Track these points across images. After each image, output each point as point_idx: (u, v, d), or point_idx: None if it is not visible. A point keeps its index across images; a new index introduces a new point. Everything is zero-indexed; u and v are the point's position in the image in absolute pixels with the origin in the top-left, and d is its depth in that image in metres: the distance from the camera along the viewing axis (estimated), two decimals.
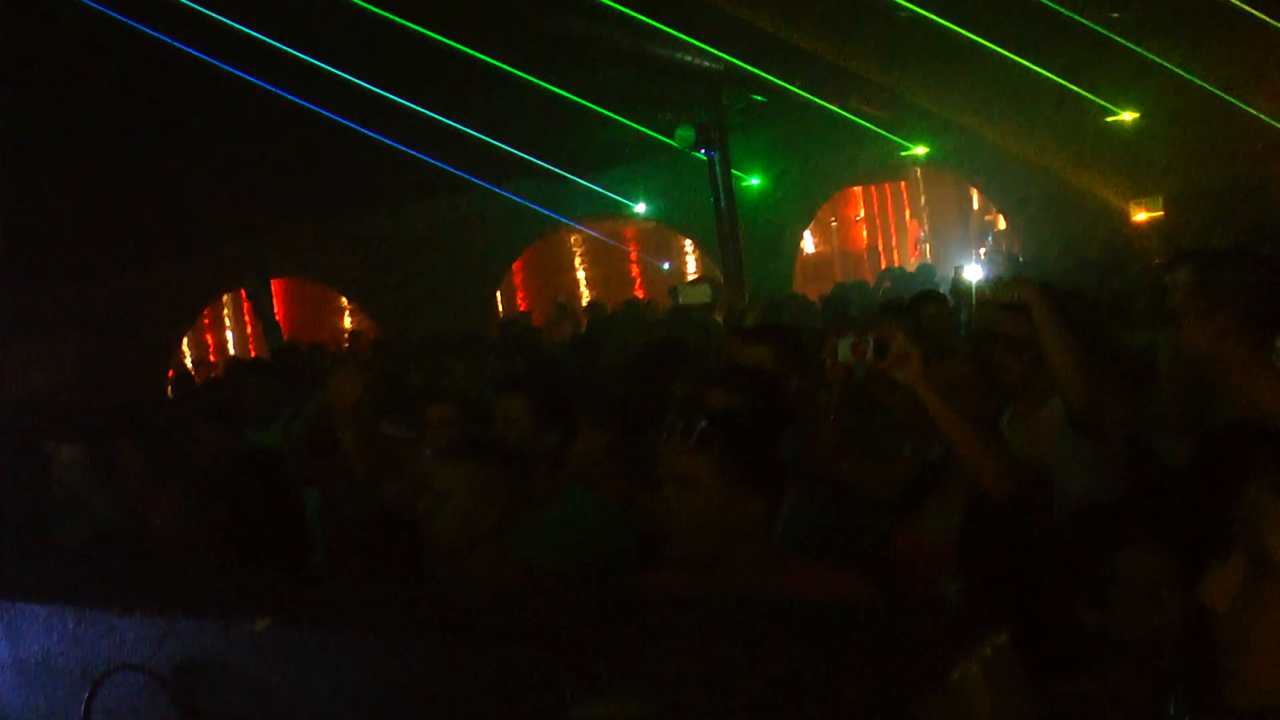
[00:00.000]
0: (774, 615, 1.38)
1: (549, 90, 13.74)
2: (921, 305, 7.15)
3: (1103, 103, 15.69)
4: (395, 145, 14.09)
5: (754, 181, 18.02)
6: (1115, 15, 13.60)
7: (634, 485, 4.21)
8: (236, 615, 1.80)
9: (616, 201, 19.70)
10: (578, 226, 20.71)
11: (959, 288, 8.54)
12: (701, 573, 2.74)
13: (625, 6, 11.92)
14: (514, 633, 1.56)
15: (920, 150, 18.58)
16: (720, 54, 13.24)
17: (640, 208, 18.49)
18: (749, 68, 13.57)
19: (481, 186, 17.14)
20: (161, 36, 10.35)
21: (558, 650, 1.44)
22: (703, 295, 9.21)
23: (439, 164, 14.98)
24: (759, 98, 14.35)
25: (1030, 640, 2.14)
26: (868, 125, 17.23)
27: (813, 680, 1.17)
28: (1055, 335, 3.57)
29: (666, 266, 22.13)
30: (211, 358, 22.78)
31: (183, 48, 10.84)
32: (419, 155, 14.56)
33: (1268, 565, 1.41)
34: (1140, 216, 16.56)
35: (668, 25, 12.61)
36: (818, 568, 2.89)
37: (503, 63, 12.70)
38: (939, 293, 8.77)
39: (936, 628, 1.29)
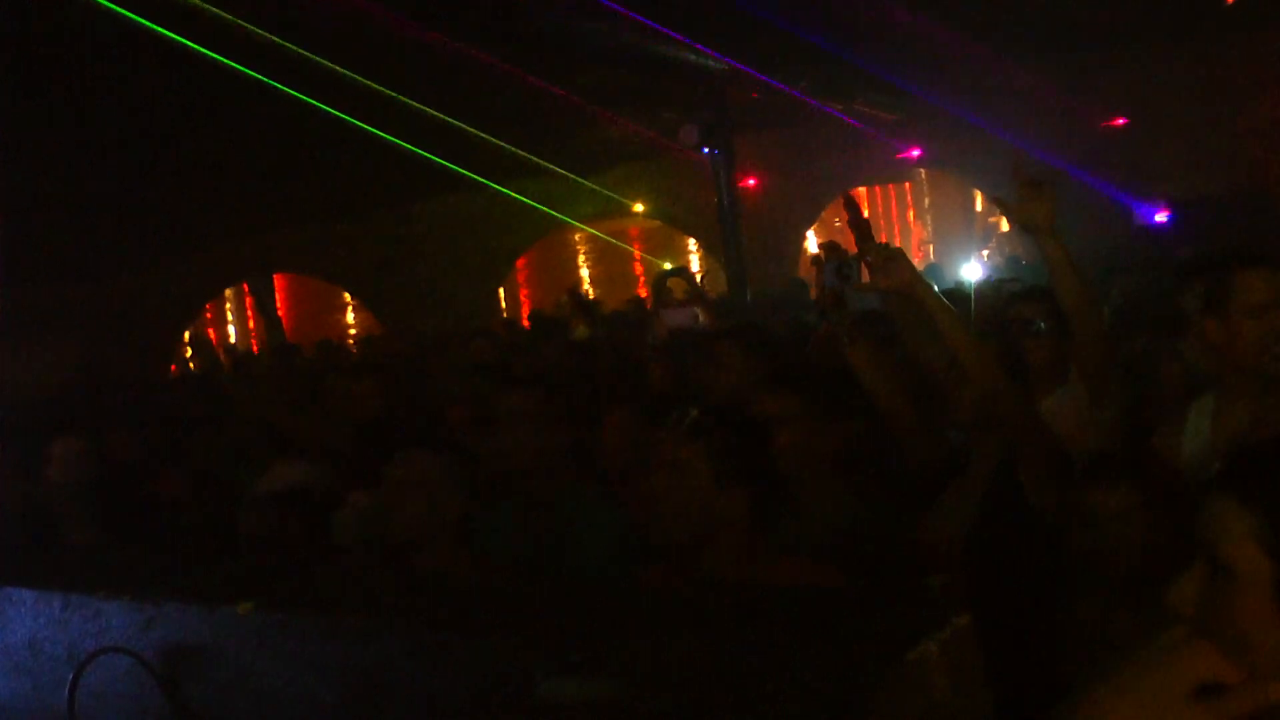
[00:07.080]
0: (738, 601, 1.40)
1: (551, 89, 13.71)
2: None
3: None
4: (399, 144, 14.08)
5: None
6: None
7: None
8: (220, 600, 1.82)
9: (619, 201, 19.70)
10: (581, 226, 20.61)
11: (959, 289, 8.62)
12: (686, 563, 2.77)
13: (629, 5, 11.89)
14: (489, 619, 1.58)
15: None
16: (723, 53, 13.18)
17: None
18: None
19: (485, 185, 17.11)
20: (165, 34, 10.35)
21: (531, 636, 1.47)
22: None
23: (443, 163, 14.94)
24: None
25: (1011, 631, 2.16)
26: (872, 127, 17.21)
27: (771, 662, 1.19)
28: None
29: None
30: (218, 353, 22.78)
31: (186, 46, 10.85)
32: (423, 154, 14.53)
33: (1227, 574, 1.45)
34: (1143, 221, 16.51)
35: (672, 24, 12.56)
36: (800, 561, 2.91)
37: (505, 62, 12.67)
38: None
39: (901, 613, 1.31)
